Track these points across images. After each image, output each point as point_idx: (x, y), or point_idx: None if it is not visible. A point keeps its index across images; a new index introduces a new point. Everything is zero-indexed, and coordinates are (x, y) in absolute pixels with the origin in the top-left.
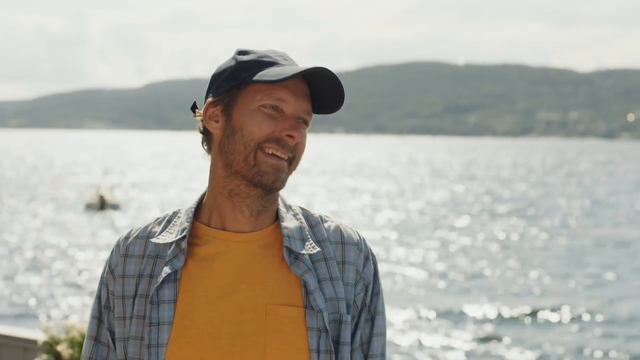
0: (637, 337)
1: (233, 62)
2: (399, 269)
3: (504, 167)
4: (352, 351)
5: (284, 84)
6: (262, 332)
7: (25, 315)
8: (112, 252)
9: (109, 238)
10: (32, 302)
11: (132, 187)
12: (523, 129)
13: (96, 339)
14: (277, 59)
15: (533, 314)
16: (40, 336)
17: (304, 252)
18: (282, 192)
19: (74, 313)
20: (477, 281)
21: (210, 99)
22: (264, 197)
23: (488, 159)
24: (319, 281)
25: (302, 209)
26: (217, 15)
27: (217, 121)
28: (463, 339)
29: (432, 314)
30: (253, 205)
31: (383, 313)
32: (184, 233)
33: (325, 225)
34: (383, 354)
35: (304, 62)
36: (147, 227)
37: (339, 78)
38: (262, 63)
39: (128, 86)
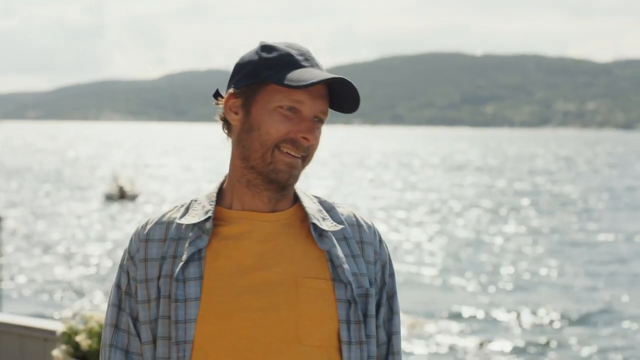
0: None
1: (256, 58)
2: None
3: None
4: (376, 327)
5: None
6: (294, 303)
7: (45, 306)
8: (130, 240)
9: (130, 228)
10: (54, 293)
11: (151, 179)
12: (540, 120)
13: (116, 326)
14: (299, 59)
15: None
16: (59, 327)
17: (327, 228)
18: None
19: (93, 304)
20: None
21: (231, 91)
22: (279, 190)
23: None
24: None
25: (315, 196)
26: (234, 6)
27: (236, 113)
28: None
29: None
30: (271, 195)
31: (397, 294)
32: (209, 214)
33: (339, 210)
34: (400, 331)
35: (322, 53)
36: (165, 214)
37: (357, 70)
38: (285, 63)
39: (145, 77)
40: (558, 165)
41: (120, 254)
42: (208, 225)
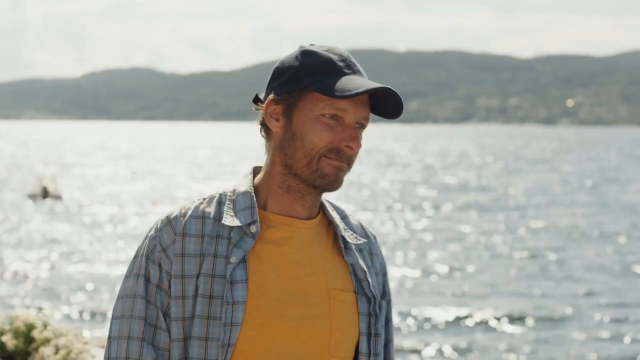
0: None
1: (297, 63)
2: None
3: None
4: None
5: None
6: (328, 314)
7: None
8: (160, 230)
9: (49, 227)
10: None
11: (75, 178)
12: (463, 116)
13: (145, 319)
14: (340, 66)
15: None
16: None
17: (351, 241)
18: None
19: (19, 304)
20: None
21: (272, 97)
22: (319, 195)
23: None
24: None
25: (327, 201)
26: (157, 4)
27: (277, 120)
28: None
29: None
30: (312, 200)
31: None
32: (254, 218)
33: (350, 218)
34: (394, 339)
35: (246, 51)
36: (197, 207)
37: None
38: (326, 70)
39: (68, 76)
40: (485, 160)
41: (41, 252)
42: (254, 228)
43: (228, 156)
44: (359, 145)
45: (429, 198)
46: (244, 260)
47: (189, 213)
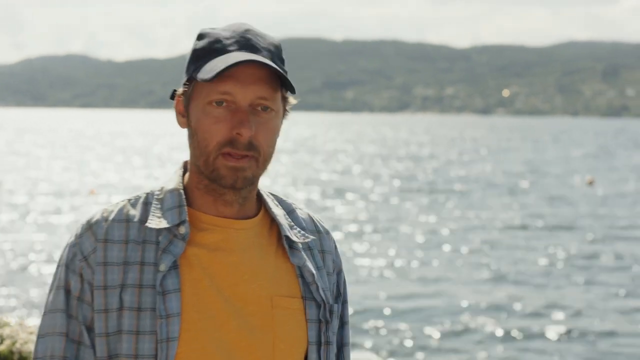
0: None
1: (191, 48)
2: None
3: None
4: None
5: (229, 73)
6: (270, 324)
7: None
8: (81, 236)
9: None
10: None
11: (11, 166)
12: (400, 105)
13: (66, 336)
14: (225, 44)
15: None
16: None
17: (298, 240)
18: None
19: None
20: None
21: (179, 90)
22: (237, 193)
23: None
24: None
25: (272, 194)
26: None
27: (184, 116)
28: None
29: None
30: (232, 199)
31: (347, 301)
32: (183, 217)
33: (299, 213)
34: (350, 342)
35: (182, 38)
36: (121, 209)
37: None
38: (210, 52)
39: (2, 62)
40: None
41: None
42: (183, 229)
43: (163, 145)
44: (251, 130)
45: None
46: (175, 266)
47: (112, 217)
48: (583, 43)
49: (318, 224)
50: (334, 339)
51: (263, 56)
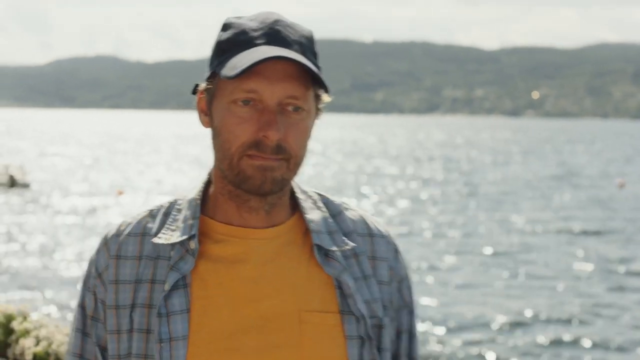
0: None
1: (215, 40)
2: None
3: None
4: (397, 356)
5: (255, 69)
6: (297, 343)
7: None
8: (98, 252)
9: (23, 219)
10: None
11: (42, 167)
12: (429, 106)
13: (81, 356)
14: (252, 37)
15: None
16: None
17: (335, 248)
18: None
19: None
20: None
21: (200, 86)
22: (263, 200)
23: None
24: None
25: (319, 194)
26: None
27: (206, 115)
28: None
29: None
30: (258, 206)
31: (415, 313)
32: (193, 231)
33: (348, 214)
34: (419, 357)
35: (210, 38)
36: (140, 221)
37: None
38: (236, 45)
39: (32, 63)
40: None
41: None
42: (193, 244)
43: (194, 146)
44: (279, 133)
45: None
46: (184, 284)
47: (127, 230)
48: (613, 45)
49: (372, 226)
50: (386, 356)
51: (294, 50)
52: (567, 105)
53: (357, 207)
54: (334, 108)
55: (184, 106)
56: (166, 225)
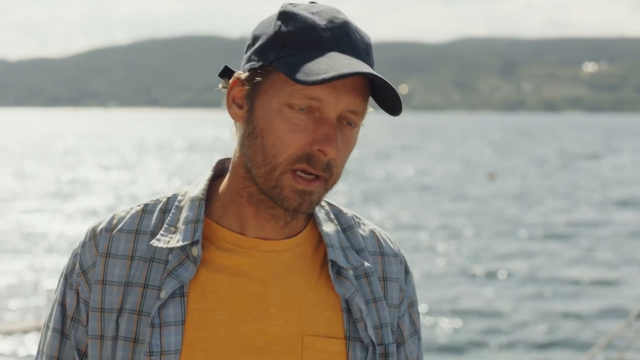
0: None
1: (270, 29)
2: None
3: None
4: None
5: None
6: None
7: None
8: (83, 246)
9: None
10: None
11: None
12: None
13: (58, 359)
14: (322, 37)
15: None
16: None
17: (348, 266)
18: None
19: None
20: None
21: (238, 74)
22: (288, 213)
23: None
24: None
25: (330, 204)
26: None
27: (240, 107)
28: None
29: None
30: (280, 216)
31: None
32: (196, 237)
33: (359, 229)
34: None
35: (76, 37)
36: (134, 216)
37: (112, 53)
38: (302, 42)
39: None
40: None
41: None
42: (196, 251)
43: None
44: (337, 150)
45: None
46: (181, 293)
47: (120, 225)
48: (480, 39)
49: (383, 244)
50: None
51: (361, 59)
52: (435, 99)
53: (368, 221)
54: (201, 104)
55: (48, 104)
56: (164, 225)
